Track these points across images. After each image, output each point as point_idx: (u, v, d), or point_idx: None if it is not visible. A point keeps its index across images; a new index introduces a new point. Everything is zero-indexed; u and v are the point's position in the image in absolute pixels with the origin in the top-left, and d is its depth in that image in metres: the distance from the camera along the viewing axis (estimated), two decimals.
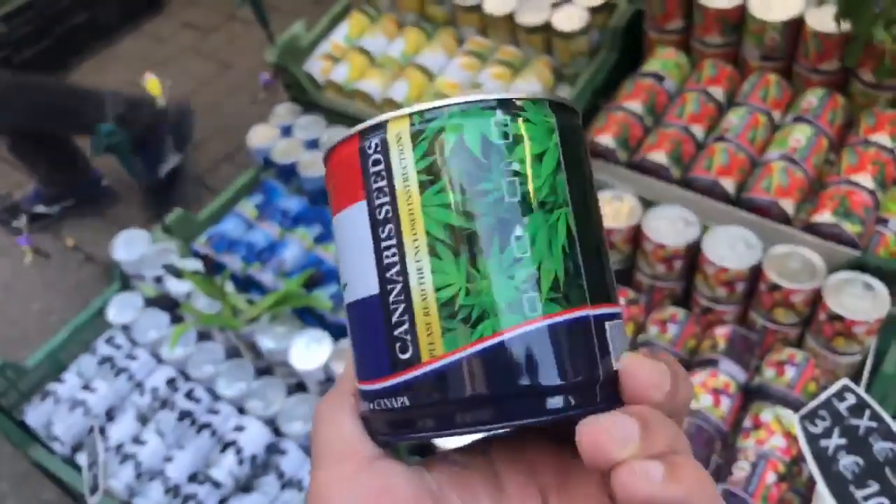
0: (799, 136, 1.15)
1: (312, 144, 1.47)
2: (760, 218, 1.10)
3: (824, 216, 1.07)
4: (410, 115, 0.27)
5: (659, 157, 1.17)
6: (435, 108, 0.27)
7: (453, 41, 1.52)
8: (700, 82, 1.25)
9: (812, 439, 0.74)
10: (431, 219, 0.26)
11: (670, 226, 1.11)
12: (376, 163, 0.27)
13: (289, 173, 1.45)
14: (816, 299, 1.03)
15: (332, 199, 0.29)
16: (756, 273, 1.06)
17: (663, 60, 1.30)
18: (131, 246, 1.37)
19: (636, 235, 1.13)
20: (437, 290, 0.26)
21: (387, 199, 0.27)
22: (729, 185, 1.13)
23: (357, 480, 0.28)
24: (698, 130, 1.21)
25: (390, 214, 0.27)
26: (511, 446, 0.30)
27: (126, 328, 1.33)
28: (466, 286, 0.26)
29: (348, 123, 1.48)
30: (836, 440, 0.73)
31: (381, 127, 0.28)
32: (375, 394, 0.28)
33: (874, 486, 0.70)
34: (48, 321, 1.91)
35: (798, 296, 1.03)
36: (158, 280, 1.32)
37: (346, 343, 1.13)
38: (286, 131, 1.51)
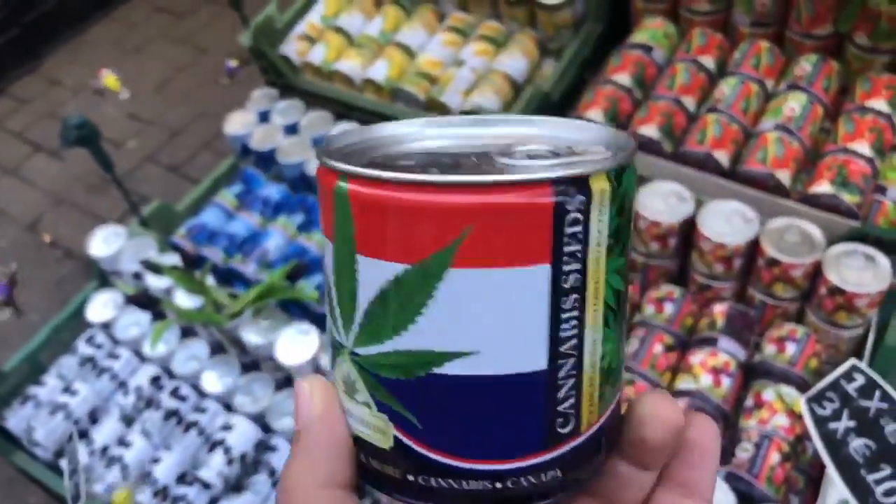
0: (793, 104, 1.11)
1: (291, 129, 1.42)
2: (756, 191, 1.06)
3: (822, 187, 1.04)
4: (608, 172, 0.23)
5: (650, 130, 1.13)
6: (624, 164, 0.24)
7: (434, 18, 1.47)
8: (690, 52, 1.21)
9: (820, 422, 0.71)
10: (610, 287, 0.24)
11: (664, 202, 1.08)
12: (574, 223, 0.23)
13: (268, 160, 1.40)
14: (816, 273, 1.00)
15: (480, 249, 0.22)
16: (753, 248, 1.03)
17: (651, 30, 1.26)
18: (108, 241, 1.33)
19: None
20: (603, 358, 0.25)
21: (578, 266, 0.23)
22: (723, 157, 1.10)
23: None
24: (690, 102, 1.17)
25: (578, 284, 0.23)
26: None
27: (106, 326, 1.29)
28: (617, 348, 0.25)
29: (327, 106, 1.43)
30: (845, 423, 0.70)
31: (582, 183, 0.23)
32: (509, 473, 0.24)
33: (887, 470, 0.67)
34: (28, 320, 1.87)
35: (797, 270, 1.00)
36: (137, 276, 1.28)
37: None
38: (263, 117, 1.46)
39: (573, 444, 0.25)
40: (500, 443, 0.24)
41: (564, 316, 0.23)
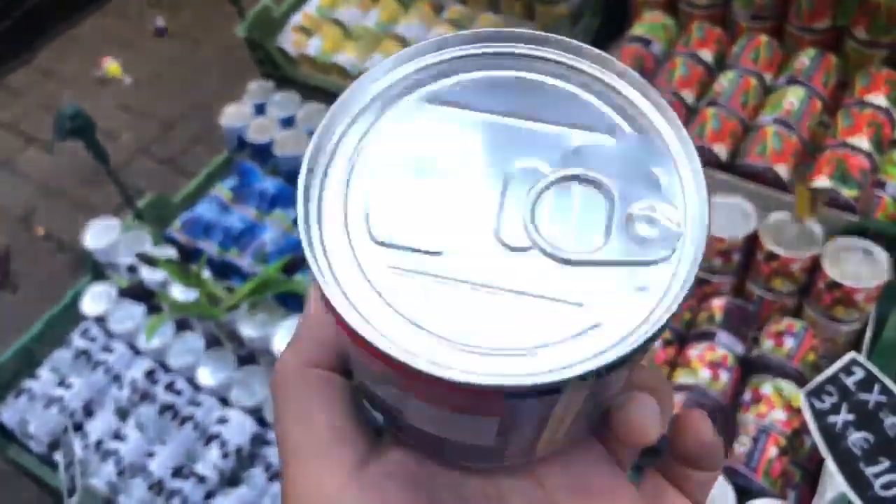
0: (792, 98, 1.11)
1: (287, 122, 1.41)
2: (755, 184, 1.06)
3: (821, 181, 1.03)
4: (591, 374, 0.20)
5: None
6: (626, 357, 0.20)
7: (431, 10, 1.46)
8: (689, 45, 1.21)
9: (819, 415, 0.71)
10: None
11: None
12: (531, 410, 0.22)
13: (264, 153, 1.39)
14: (815, 267, 1.00)
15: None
16: (752, 242, 1.03)
17: (650, 24, 1.25)
18: (103, 234, 1.32)
19: None
20: None
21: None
22: (722, 151, 1.09)
23: (344, 500, 0.23)
24: (689, 95, 1.16)
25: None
26: None
27: (101, 320, 1.28)
28: None
29: (323, 98, 1.42)
30: (844, 416, 0.70)
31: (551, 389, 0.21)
32: None
33: (885, 463, 0.67)
34: (22, 314, 1.86)
35: (796, 264, 1.00)
36: (132, 269, 1.27)
37: None
38: (259, 109, 1.45)
39: None
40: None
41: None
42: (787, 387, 0.95)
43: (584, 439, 0.27)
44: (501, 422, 0.22)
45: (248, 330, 1.14)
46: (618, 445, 0.27)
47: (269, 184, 1.36)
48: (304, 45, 1.46)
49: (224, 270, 1.26)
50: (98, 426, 1.17)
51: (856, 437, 0.69)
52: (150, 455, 1.12)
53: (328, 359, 0.26)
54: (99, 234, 1.31)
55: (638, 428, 0.25)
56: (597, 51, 0.24)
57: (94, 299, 1.29)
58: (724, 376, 0.97)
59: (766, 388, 0.96)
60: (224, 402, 1.17)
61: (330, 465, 0.24)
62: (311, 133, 1.36)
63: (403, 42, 1.41)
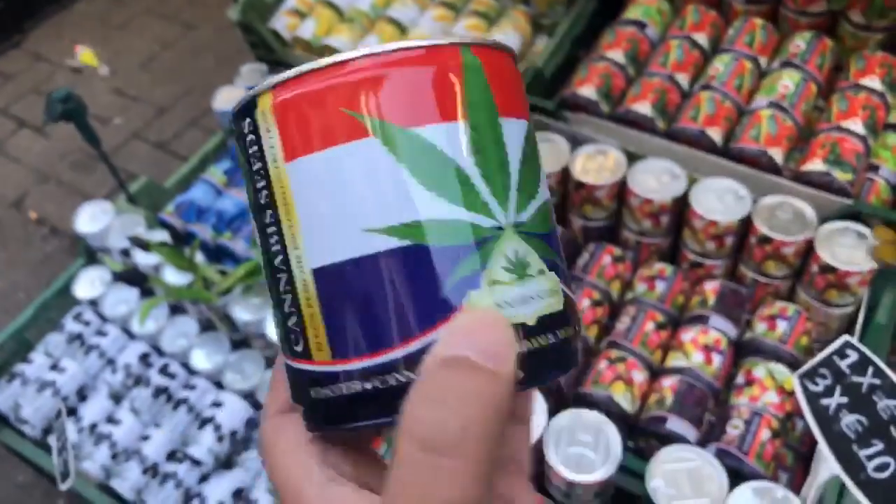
0: (787, 82, 1.11)
1: None
2: (749, 168, 1.06)
3: (815, 165, 1.03)
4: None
5: (643, 108, 1.12)
6: None
7: None
8: (683, 29, 1.20)
9: (812, 398, 0.71)
10: None
11: (656, 179, 1.07)
12: None
13: None
14: (808, 251, 1.00)
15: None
16: (745, 225, 1.03)
17: (644, 7, 1.24)
18: (95, 218, 1.31)
19: (621, 191, 1.09)
20: None
21: None
22: (716, 135, 1.09)
23: None
24: (683, 79, 1.16)
25: None
26: None
27: (94, 303, 1.28)
28: None
29: None
30: (837, 399, 0.70)
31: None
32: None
33: (878, 445, 0.67)
34: (14, 298, 1.85)
35: (789, 248, 1.00)
36: (125, 253, 1.26)
37: None
38: None
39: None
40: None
41: None
42: (780, 370, 0.96)
43: None
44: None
45: (241, 313, 1.14)
46: None
47: None
48: (297, 27, 1.45)
49: (217, 254, 1.26)
50: (92, 410, 1.17)
51: (849, 420, 0.70)
52: (145, 438, 1.12)
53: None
54: (92, 219, 1.31)
55: None
56: None
57: (88, 283, 1.29)
58: (717, 359, 0.98)
59: (759, 371, 0.96)
60: (218, 385, 1.17)
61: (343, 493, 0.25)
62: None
63: (397, 25, 1.40)
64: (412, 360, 0.23)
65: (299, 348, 0.25)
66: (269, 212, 0.24)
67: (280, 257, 0.24)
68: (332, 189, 0.23)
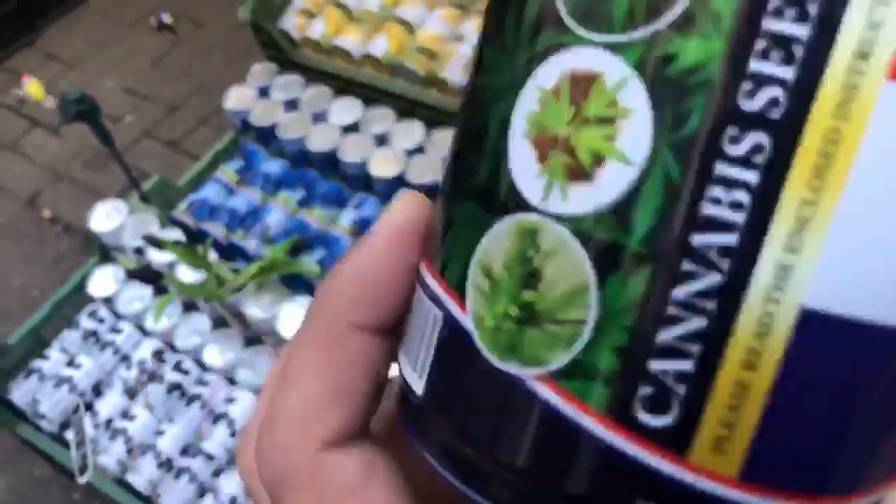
0: None
1: (291, 105, 1.42)
2: None
3: None
4: None
5: None
6: None
7: None
8: None
9: None
10: None
11: None
12: None
13: (268, 136, 1.40)
14: None
15: None
16: None
17: None
18: (109, 216, 1.33)
19: None
20: None
21: None
22: None
23: None
24: None
25: None
26: None
27: (108, 301, 1.30)
28: None
29: (327, 81, 1.43)
30: None
31: None
32: None
33: None
34: (30, 295, 1.88)
35: None
36: (139, 251, 1.28)
37: None
38: (263, 92, 1.46)
39: None
40: None
41: None
42: None
43: None
44: None
45: (254, 311, 1.16)
46: None
47: (273, 166, 1.37)
48: (306, 27, 1.47)
49: (230, 252, 1.28)
50: (107, 405, 1.19)
51: None
52: (159, 434, 1.14)
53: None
54: (105, 217, 1.33)
55: None
56: None
57: (102, 281, 1.31)
58: None
59: None
60: (231, 381, 1.19)
61: None
62: (315, 116, 1.37)
63: (406, 25, 1.41)
64: None
65: (658, 423, 0.13)
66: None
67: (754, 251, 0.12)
68: None
